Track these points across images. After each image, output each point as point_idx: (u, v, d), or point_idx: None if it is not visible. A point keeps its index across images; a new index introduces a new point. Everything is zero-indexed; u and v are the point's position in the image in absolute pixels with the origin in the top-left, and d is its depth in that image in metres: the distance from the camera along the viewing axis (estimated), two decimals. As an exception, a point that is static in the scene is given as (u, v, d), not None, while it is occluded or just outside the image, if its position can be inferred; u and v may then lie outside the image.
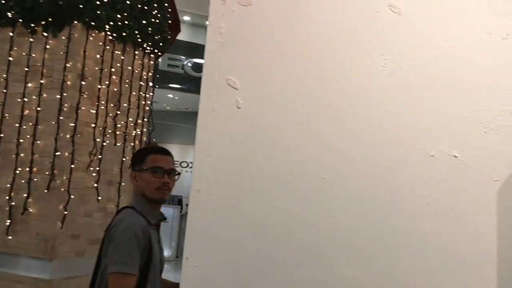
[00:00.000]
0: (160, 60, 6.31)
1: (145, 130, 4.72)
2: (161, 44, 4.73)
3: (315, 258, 0.98)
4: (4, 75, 4.12)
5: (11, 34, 4.14)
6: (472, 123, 0.92)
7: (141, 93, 4.61)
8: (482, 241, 0.89)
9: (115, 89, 4.35)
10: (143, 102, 4.66)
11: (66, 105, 4.00)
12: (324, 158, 0.99)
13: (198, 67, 10.04)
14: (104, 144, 4.30)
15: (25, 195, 3.97)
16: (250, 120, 1.04)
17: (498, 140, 0.90)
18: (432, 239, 0.92)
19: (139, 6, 4.37)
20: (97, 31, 4.18)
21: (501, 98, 0.91)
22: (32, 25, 4.08)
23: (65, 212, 3.98)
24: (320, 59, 1.01)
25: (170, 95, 11.20)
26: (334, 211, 0.97)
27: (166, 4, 4.72)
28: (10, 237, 3.99)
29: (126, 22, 4.29)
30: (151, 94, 4.79)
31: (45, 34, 4.08)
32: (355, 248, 0.96)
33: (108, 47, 4.26)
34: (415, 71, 0.95)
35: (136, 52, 4.55)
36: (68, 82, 4.03)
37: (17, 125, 4.03)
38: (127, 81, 4.45)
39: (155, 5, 4.56)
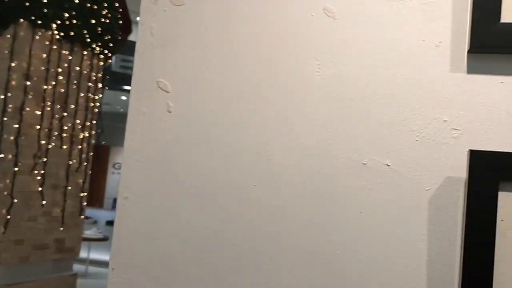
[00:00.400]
0: (112, 61, 6.19)
1: (93, 132, 4.60)
2: (111, 44, 4.63)
3: (246, 269, 0.94)
4: None
5: (-48, 31, 3.96)
6: (404, 132, 0.90)
7: (89, 94, 4.50)
8: (412, 251, 0.88)
9: (62, 90, 4.23)
10: (92, 104, 4.55)
11: (10, 105, 3.86)
12: (255, 166, 0.96)
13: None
14: (50, 146, 4.17)
15: (-35, 198, 3.81)
16: (181, 125, 1.00)
17: (429, 149, 0.89)
18: (363, 249, 0.90)
19: (88, 5, 4.26)
20: (43, 30, 4.05)
21: (433, 107, 0.89)
22: (-24, 22, 3.93)
23: (8, 217, 3.85)
24: (253, 63, 0.98)
25: (124, 97, 11.01)
26: (265, 220, 0.94)
27: (117, 5, 4.62)
28: None
29: (74, 21, 4.18)
30: (100, 95, 4.68)
31: (-11, 32, 3.94)
32: (286, 258, 0.93)
33: (55, 47, 4.14)
34: (348, 77, 0.93)
35: (85, 53, 4.44)
36: (13, 82, 3.90)
37: (-42, 126, 3.86)
38: (75, 82, 4.34)
39: (105, 5, 4.46)
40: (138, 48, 1.04)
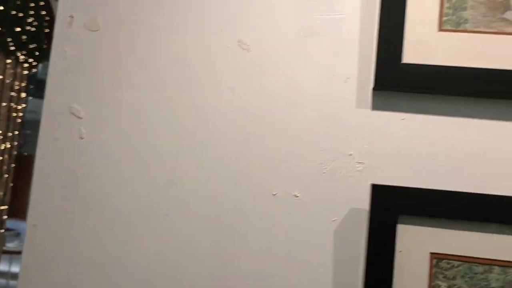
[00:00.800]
0: (38, 69, 6.00)
1: (15, 143, 4.43)
2: (36, 53, 4.48)
3: (158, 297, 0.94)
4: None
5: None
6: (313, 164, 0.93)
7: (12, 104, 4.34)
8: (318, 281, 0.90)
9: (-17, 99, 4.06)
10: (14, 114, 4.39)
11: None
12: (167, 194, 0.96)
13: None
14: (-33, 157, 3.98)
15: None
16: (93, 152, 0.99)
17: (336, 181, 0.92)
18: (272, 279, 0.92)
19: (13, 13, 4.11)
20: (-36, 36, 3.88)
21: (339, 141, 0.93)
22: None
23: None
24: (168, 91, 0.99)
25: (52, 105, 10.67)
26: (175, 249, 0.95)
27: (43, 13, 4.49)
28: None
29: (-3, 28, 4.03)
30: (23, 105, 4.52)
31: None
32: (197, 286, 0.93)
33: (-24, 54, 3.97)
34: (261, 109, 0.95)
35: (8, 61, 4.28)
36: None
37: None
38: (-3, 91, 4.17)
39: (31, 13, 4.32)
40: (50, 72, 1.02)
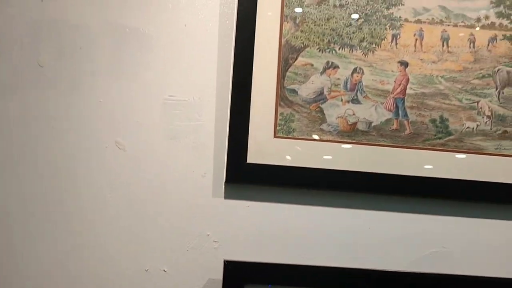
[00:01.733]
0: None
1: None
2: None
3: None
4: None
5: None
6: (178, 243, 1.15)
7: None
8: None
9: None
10: None
11: None
12: (55, 281, 1.12)
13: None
14: None
15: None
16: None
17: (196, 257, 1.15)
18: None
19: None
20: None
21: (199, 224, 1.16)
22: None
23: None
24: (49, 189, 1.15)
25: None
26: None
27: None
28: None
29: None
30: None
31: None
32: None
33: None
34: (135, 199, 1.16)
35: None
36: None
37: None
38: None
39: None
40: None
